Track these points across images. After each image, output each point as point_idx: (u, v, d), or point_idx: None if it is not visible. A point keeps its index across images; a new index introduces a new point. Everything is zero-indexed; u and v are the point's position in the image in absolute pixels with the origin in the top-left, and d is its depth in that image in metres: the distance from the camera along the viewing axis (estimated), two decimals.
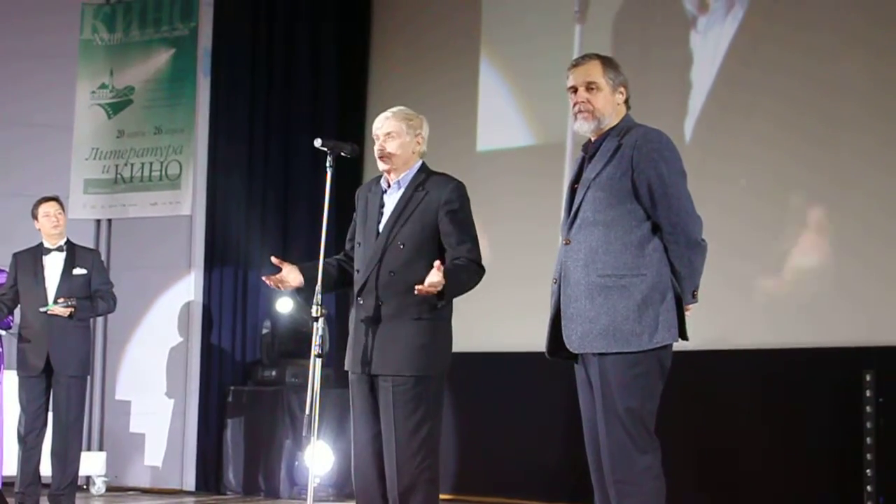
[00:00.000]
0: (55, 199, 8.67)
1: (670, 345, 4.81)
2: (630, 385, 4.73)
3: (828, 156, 9.16)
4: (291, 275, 5.68)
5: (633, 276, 4.76)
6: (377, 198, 5.63)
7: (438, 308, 5.39)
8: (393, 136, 5.56)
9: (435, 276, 5.18)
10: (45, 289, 8.52)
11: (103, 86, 11.66)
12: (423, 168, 5.65)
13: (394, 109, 5.67)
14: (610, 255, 4.79)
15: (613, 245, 4.79)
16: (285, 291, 10.89)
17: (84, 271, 8.60)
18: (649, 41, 9.96)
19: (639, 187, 4.77)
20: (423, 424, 5.41)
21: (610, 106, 4.95)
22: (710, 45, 9.79)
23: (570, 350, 4.86)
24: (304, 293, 5.60)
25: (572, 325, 4.84)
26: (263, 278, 5.71)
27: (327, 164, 5.65)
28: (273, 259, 5.63)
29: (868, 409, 8.59)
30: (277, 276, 5.66)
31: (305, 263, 5.74)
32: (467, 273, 5.42)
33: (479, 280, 5.51)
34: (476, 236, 5.54)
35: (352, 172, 10.57)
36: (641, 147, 4.80)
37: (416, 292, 5.23)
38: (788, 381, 9.09)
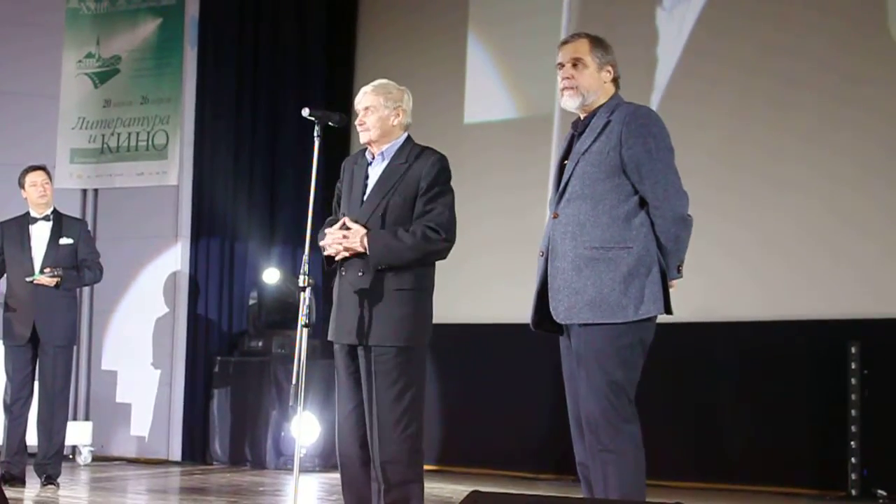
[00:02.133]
0: (42, 168, 8.64)
1: (654, 319, 4.85)
2: (614, 356, 4.78)
3: (805, 126, 9.22)
4: None
5: (620, 249, 4.80)
6: (362, 169, 5.65)
7: (371, 267, 5.41)
8: (371, 110, 5.59)
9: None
10: (31, 258, 8.50)
11: (90, 55, 11.61)
12: (409, 141, 5.67)
13: (375, 83, 5.70)
14: (597, 228, 4.83)
15: (601, 218, 4.83)
16: (272, 262, 10.97)
17: (71, 241, 8.58)
18: (615, 19, 9.97)
19: (626, 162, 4.82)
20: (405, 394, 5.44)
21: (595, 83, 4.99)
22: (675, 21, 9.84)
23: (557, 321, 4.89)
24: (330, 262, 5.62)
25: (559, 297, 4.87)
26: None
27: (315, 134, 5.66)
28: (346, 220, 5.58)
29: (853, 380, 8.64)
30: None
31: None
32: (412, 238, 5.41)
33: (436, 246, 5.48)
34: (446, 205, 5.52)
35: (339, 142, 10.56)
36: (630, 123, 4.86)
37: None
38: (774, 352, 9.14)
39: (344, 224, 5.47)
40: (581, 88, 4.98)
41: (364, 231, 5.42)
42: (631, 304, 4.77)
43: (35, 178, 8.56)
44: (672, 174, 4.85)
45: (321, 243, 5.55)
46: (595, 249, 4.81)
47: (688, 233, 4.88)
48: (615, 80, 5.04)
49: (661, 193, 4.81)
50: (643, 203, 4.85)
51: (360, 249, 5.41)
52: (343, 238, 5.44)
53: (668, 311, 4.89)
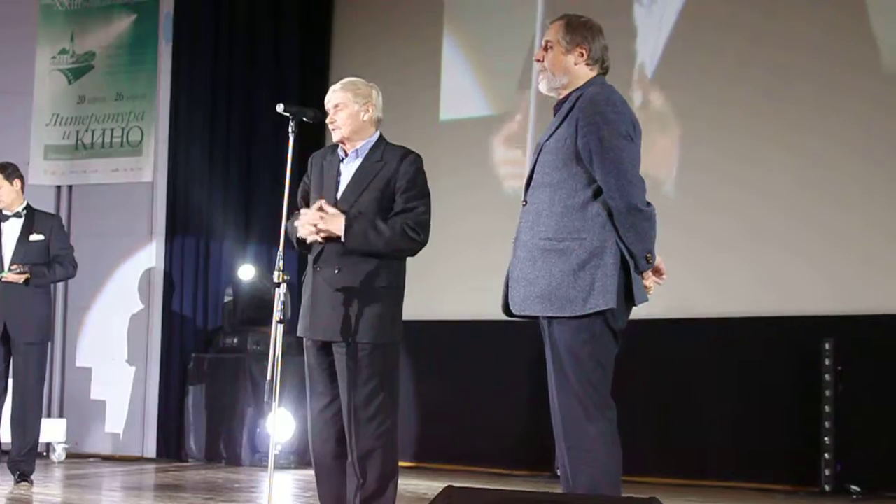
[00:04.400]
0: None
1: (609, 313, 4.67)
2: (578, 351, 4.68)
3: (781, 125, 9.25)
4: None
5: (572, 240, 4.69)
6: (334, 166, 5.64)
7: (346, 248, 5.42)
8: (340, 107, 5.61)
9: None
10: (1, 255, 8.45)
11: (64, 51, 11.57)
12: (382, 139, 5.68)
13: (344, 81, 5.72)
14: (552, 218, 4.74)
15: (556, 207, 4.73)
16: (248, 259, 10.95)
17: (41, 237, 8.53)
18: (589, 12, 10.00)
19: (581, 150, 4.70)
20: (380, 390, 5.46)
21: (560, 66, 4.91)
22: (655, 15, 9.88)
23: (513, 311, 4.85)
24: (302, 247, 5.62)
25: (517, 287, 4.81)
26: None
27: (290, 130, 5.64)
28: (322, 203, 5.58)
29: (827, 377, 8.68)
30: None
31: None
32: (389, 230, 5.42)
33: (410, 244, 5.50)
34: (426, 207, 5.54)
35: (314, 138, 10.55)
36: (586, 109, 4.74)
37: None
38: (749, 349, 9.18)
39: (320, 206, 5.46)
40: (548, 71, 4.93)
41: (342, 215, 5.40)
42: (580, 297, 4.65)
43: None
44: (626, 162, 4.68)
45: (296, 224, 5.51)
46: (548, 240, 4.71)
47: (648, 223, 4.69)
48: (595, 64, 4.91)
49: (613, 182, 4.64)
50: (601, 192, 4.71)
51: (337, 232, 5.39)
52: (320, 219, 5.42)
53: (630, 301, 4.74)
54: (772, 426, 9.02)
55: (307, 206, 5.69)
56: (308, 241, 5.54)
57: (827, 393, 8.66)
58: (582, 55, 4.89)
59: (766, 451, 9.02)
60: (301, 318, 5.66)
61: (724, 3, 9.67)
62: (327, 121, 5.65)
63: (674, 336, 9.41)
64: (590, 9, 5.13)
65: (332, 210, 5.42)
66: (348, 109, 5.60)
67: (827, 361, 8.69)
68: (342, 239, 5.41)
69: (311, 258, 5.59)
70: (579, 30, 4.92)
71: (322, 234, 5.45)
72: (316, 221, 5.44)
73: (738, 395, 9.17)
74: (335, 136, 5.63)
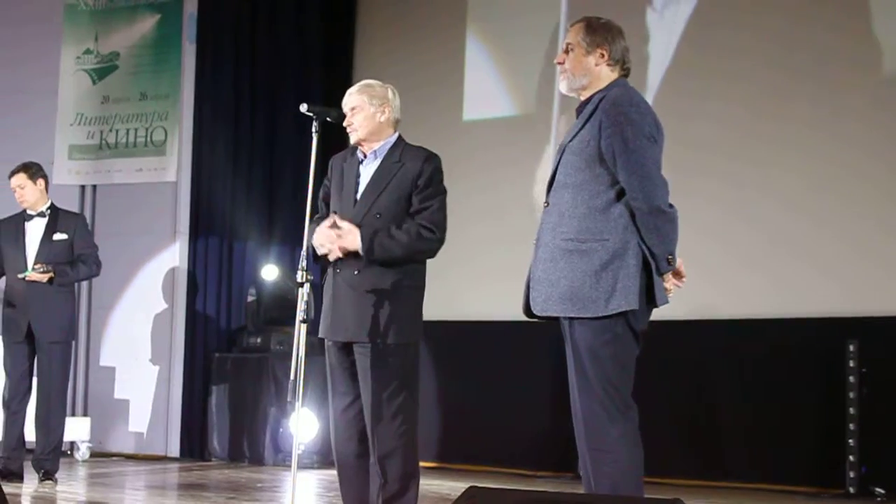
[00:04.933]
0: (19, 171, 8.54)
1: (631, 314, 4.68)
2: (599, 352, 4.68)
3: (797, 127, 9.24)
4: None
5: (595, 241, 4.69)
6: (353, 168, 5.66)
7: (366, 263, 5.43)
8: (357, 110, 5.63)
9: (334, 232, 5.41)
10: (24, 255, 8.49)
11: (88, 51, 11.61)
12: (401, 139, 5.69)
13: (360, 84, 5.76)
14: (574, 219, 4.74)
15: (579, 209, 4.74)
16: (271, 258, 10.96)
17: (65, 236, 8.56)
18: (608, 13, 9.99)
19: (604, 151, 4.71)
20: (401, 390, 5.47)
21: (581, 67, 4.92)
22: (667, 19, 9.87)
23: (535, 313, 4.85)
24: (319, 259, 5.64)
25: (538, 288, 4.81)
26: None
27: (313, 130, 5.65)
28: (336, 218, 5.59)
29: (851, 379, 8.64)
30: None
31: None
32: (406, 235, 5.44)
33: (427, 245, 5.52)
34: (440, 204, 5.56)
35: (338, 139, 10.54)
36: (609, 110, 4.74)
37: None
38: (773, 350, 9.15)
39: (334, 223, 5.47)
40: (568, 72, 4.94)
41: (356, 229, 5.42)
42: (602, 297, 4.65)
43: (12, 182, 8.54)
44: (649, 163, 4.69)
45: (314, 241, 5.54)
46: (571, 241, 4.72)
47: (671, 224, 4.70)
48: (616, 65, 4.92)
49: (636, 183, 4.65)
50: (624, 193, 4.72)
51: (354, 248, 5.41)
52: (336, 237, 5.43)
53: (652, 303, 4.75)
54: (795, 428, 8.99)
55: (328, 208, 5.71)
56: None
57: (851, 395, 8.63)
58: (603, 56, 4.90)
59: (790, 453, 8.99)
60: (322, 319, 5.68)
61: (736, 8, 9.64)
62: (344, 123, 5.67)
63: (696, 337, 9.38)
64: (603, 12, 5.11)
65: (346, 225, 5.43)
66: (364, 112, 5.62)
67: (851, 363, 8.66)
68: (360, 253, 5.42)
69: (331, 258, 5.59)
70: (600, 31, 4.93)
71: (341, 251, 5.46)
72: (332, 240, 5.44)
73: (762, 396, 9.14)
74: (352, 139, 5.67)
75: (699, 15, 9.80)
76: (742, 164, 9.45)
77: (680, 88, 9.77)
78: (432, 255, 5.59)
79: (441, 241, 5.55)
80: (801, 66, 9.27)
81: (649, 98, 9.69)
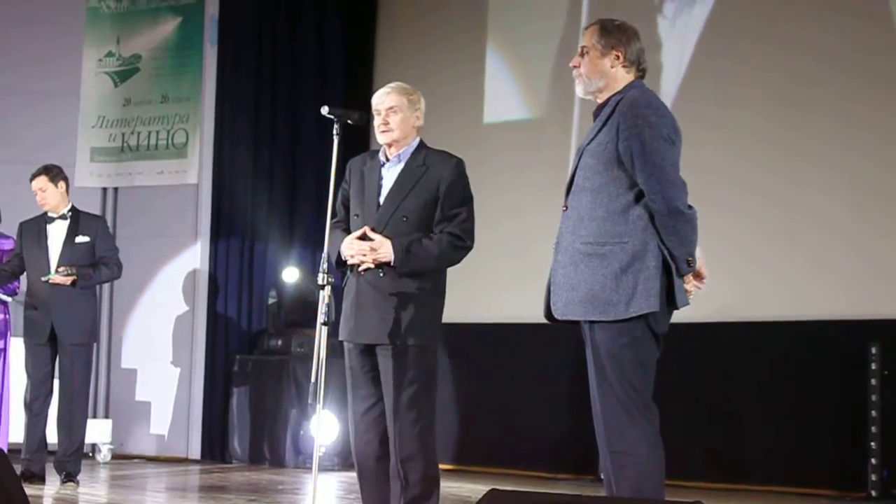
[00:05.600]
0: (40, 173, 8.56)
1: (651, 316, 4.68)
2: (620, 354, 4.68)
3: (823, 125, 9.21)
4: None
5: (614, 244, 4.68)
6: (375, 171, 5.63)
7: (399, 276, 5.43)
8: (395, 110, 5.58)
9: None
10: (47, 258, 8.51)
11: (110, 54, 11.64)
12: (422, 144, 5.67)
13: (392, 84, 5.70)
14: (594, 223, 4.74)
15: (597, 212, 4.74)
16: (292, 261, 10.97)
17: (87, 239, 8.58)
18: (652, 14, 9.98)
19: (622, 153, 4.70)
20: (423, 393, 5.47)
21: (595, 69, 4.91)
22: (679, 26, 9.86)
23: (556, 316, 4.84)
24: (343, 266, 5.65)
25: (559, 292, 4.81)
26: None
27: (334, 132, 5.65)
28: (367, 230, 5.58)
29: (873, 381, 8.61)
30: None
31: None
32: (437, 246, 5.44)
33: (457, 252, 5.53)
34: (469, 212, 5.55)
35: (359, 141, 10.56)
36: (626, 113, 4.74)
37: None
38: (794, 353, 9.12)
39: (364, 235, 5.46)
40: (583, 75, 4.94)
41: (388, 241, 5.40)
42: (622, 300, 4.65)
43: (34, 186, 8.57)
44: (667, 165, 4.68)
45: (343, 252, 5.51)
46: (590, 245, 4.72)
47: (690, 226, 4.69)
48: (631, 66, 4.91)
49: (654, 185, 4.65)
50: (643, 195, 4.71)
51: (387, 260, 5.40)
52: (370, 250, 5.42)
53: (672, 305, 4.74)
54: (817, 431, 8.95)
55: (347, 212, 5.70)
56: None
57: (873, 397, 8.60)
58: (618, 58, 4.89)
59: (812, 456, 8.96)
60: (343, 322, 5.66)
61: (748, 16, 9.62)
62: (378, 122, 5.61)
63: (717, 339, 9.36)
64: (625, 11, 5.12)
65: (377, 238, 5.41)
66: (402, 114, 5.58)
67: (873, 366, 8.63)
68: (392, 264, 5.41)
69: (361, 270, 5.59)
70: (614, 33, 4.93)
71: (373, 263, 5.44)
72: (365, 253, 5.43)
73: (783, 399, 9.12)
74: (384, 139, 5.60)
75: (712, 22, 9.77)
76: (761, 170, 9.41)
77: (695, 95, 9.74)
78: (459, 261, 5.59)
79: (470, 249, 5.56)
80: (817, 75, 9.23)
81: (669, 100, 9.69)
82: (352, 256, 5.48)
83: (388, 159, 5.62)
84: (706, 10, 9.83)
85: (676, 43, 9.92)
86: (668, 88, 9.77)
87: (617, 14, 5.19)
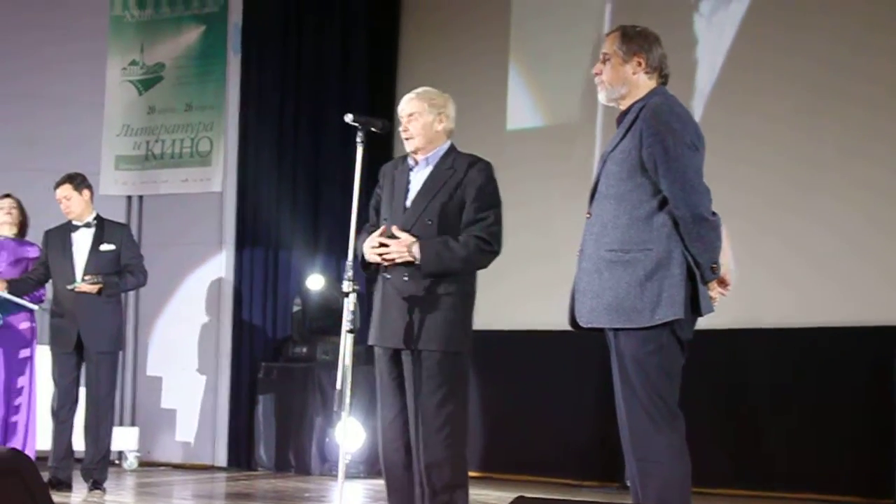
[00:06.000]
0: (65, 182, 8.59)
1: (676, 323, 4.67)
2: (645, 362, 4.68)
3: (845, 132, 9.16)
4: None
5: (639, 252, 4.68)
6: (404, 175, 5.66)
7: (422, 277, 5.43)
8: (415, 116, 5.61)
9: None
10: (72, 266, 8.54)
11: (134, 62, 11.68)
12: (452, 148, 5.68)
13: (418, 90, 5.71)
14: (618, 230, 4.74)
15: (621, 219, 4.73)
16: (317, 268, 10.98)
17: (112, 247, 8.60)
18: (657, 21, 9.96)
19: (646, 161, 4.70)
20: (449, 399, 5.45)
21: (618, 76, 4.91)
22: (714, 28, 9.82)
23: (580, 324, 4.84)
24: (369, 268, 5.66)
25: (583, 300, 4.81)
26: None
27: (358, 140, 5.66)
28: (394, 229, 5.59)
29: None
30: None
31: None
32: (463, 249, 5.43)
33: (483, 257, 5.53)
34: (497, 216, 5.55)
35: (382, 149, 10.58)
36: (650, 119, 4.73)
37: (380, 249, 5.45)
38: (819, 360, 9.09)
39: (390, 233, 5.47)
40: (605, 82, 4.94)
41: (413, 240, 5.41)
42: (647, 308, 4.65)
43: (58, 194, 8.59)
44: (690, 171, 4.67)
45: (366, 249, 5.53)
46: (614, 252, 4.72)
47: (714, 232, 4.69)
48: (653, 73, 4.90)
49: (678, 192, 4.64)
50: (667, 202, 4.70)
51: (410, 259, 5.40)
52: (399, 250, 5.41)
53: (697, 312, 4.73)
54: (842, 437, 8.91)
55: (378, 216, 5.71)
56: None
57: None
58: (640, 64, 4.88)
59: (836, 462, 8.92)
60: (371, 326, 5.67)
61: (789, 8, 9.58)
62: (400, 129, 5.65)
63: (741, 346, 9.33)
64: (648, 20, 5.10)
65: (404, 236, 5.41)
66: (422, 119, 5.60)
67: None
68: (417, 263, 5.41)
69: (381, 266, 5.60)
70: (635, 39, 4.92)
71: (398, 258, 5.44)
72: (391, 251, 5.42)
73: (807, 406, 9.08)
74: (408, 147, 5.63)
75: (749, 18, 9.71)
76: (784, 176, 9.38)
77: (727, 97, 9.71)
78: (486, 265, 5.59)
79: (497, 254, 5.56)
80: (859, 67, 9.18)
81: (700, 103, 9.67)
82: (372, 250, 5.46)
83: (416, 163, 5.64)
84: (737, 18, 9.79)
85: (712, 39, 9.86)
86: (703, 85, 9.74)
87: (645, 14, 5.19)
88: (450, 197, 5.52)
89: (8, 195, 8.98)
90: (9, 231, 8.92)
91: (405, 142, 5.65)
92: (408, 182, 5.64)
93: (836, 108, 9.21)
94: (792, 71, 9.44)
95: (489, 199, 5.55)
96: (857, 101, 9.13)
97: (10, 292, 8.45)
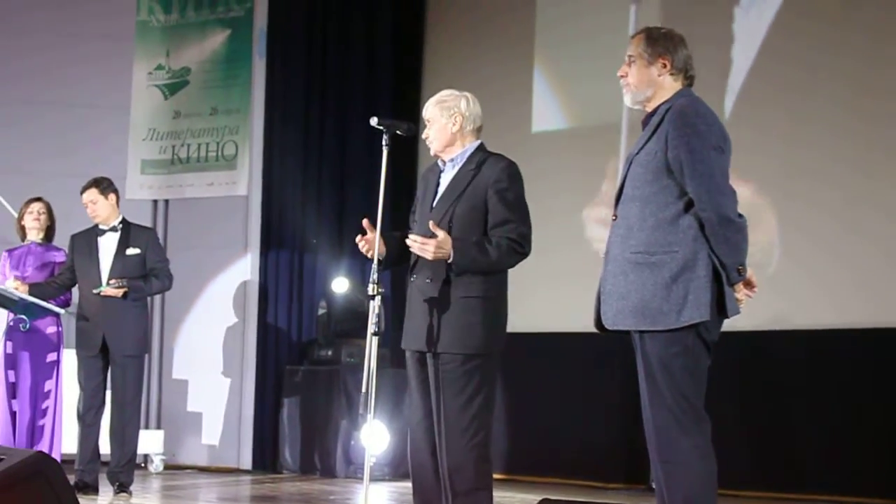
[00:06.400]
0: (91, 186, 8.62)
1: (703, 325, 4.66)
2: (671, 364, 4.67)
3: (876, 130, 9.10)
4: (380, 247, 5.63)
5: (664, 254, 4.67)
6: (435, 177, 5.69)
7: (454, 275, 5.42)
8: (431, 122, 5.68)
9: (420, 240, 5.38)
10: (98, 270, 8.55)
11: (160, 67, 11.72)
12: (480, 148, 5.68)
13: (436, 95, 5.75)
14: (643, 232, 4.73)
15: (647, 221, 4.73)
16: (341, 271, 10.99)
17: (138, 251, 8.62)
18: (694, 17, 9.91)
19: (672, 163, 4.69)
20: (472, 402, 5.43)
21: (643, 79, 4.90)
22: (752, 20, 9.76)
23: (606, 326, 4.84)
24: (381, 265, 5.64)
25: (609, 302, 4.81)
26: (358, 239, 5.67)
27: (383, 143, 5.67)
28: (364, 222, 5.61)
29: None
30: (367, 237, 5.61)
31: (387, 233, 5.72)
32: (496, 251, 5.42)
33: (514, 259, 5.52)
34: (523, 217, 5.54)
35: (408, 152, 10.59)
36: (675, 121, 4.72)
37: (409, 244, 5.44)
38: (847, 361, 9.04)
39: (426, 233, 5.45)
40: (631, 85, 4.94)
41: (450, 241, 5.39)
42: (673, 310, 4.64)
43: (84, 198, 8.61)
44: (716, 173, 4.66)
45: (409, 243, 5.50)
46: (640, 254, 4.71)
47: (740, 234, 4.67)
48: (679, 74, 4.89)
49: (704, 194, 4.63)
50: (692, 204, 4.69)
51: (444, 256, 5.38)
52: (433, 248, 5.39)
53: (723, 314, 4.73)
54: (871, 439, 8.87)
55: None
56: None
57: None
58: (665, 66, 4.87)
59: (866, 465, 8.87)
60: (403, 328, 5.69)
61: (822, 12, 9.53)
62: (423, 135, 5.71)
63: (768, 347, 9.30)
64: (678, 19, 5.09)
65: (441, 233, 5.40)
66: (437, 124, 5.65)
67: None
68: (449, 260, 5.40)
69: (409, 268, 5.62)
70: (660, 41, 4.91)
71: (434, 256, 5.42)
72: (426, 248, 5.41)
73: (837, 407, 9.03)
74: (431, 150, 5.69)
75: (785, 12, 9.64)
76: (814, 175, 9.32)
77: (760, 92, 9.64)
78: (512, 267, 5.59)
79: (527, 256, 5.55)
80: (882, 83, 9.12)
81: (730, 101, 9.63)
82: (414, 241, 5.44)
83: (444, 165, 5.67)
84: (771, 13, 9.72)
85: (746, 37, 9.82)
86: (734, 82, 9.71)
87: (682, 14, 5.17)
88: (472, 198, 5.52)
89: (39, 199, 9.02)
90: (36, 236, 8.95)
91: (429, 146, 5.71)
92: (437, 185, 5.67)
93: (870, 105, 9.13)
94: (825, 68, 9.38)
95: (516, 200, 5.54)
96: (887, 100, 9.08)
97: (33, 296, 8.47)
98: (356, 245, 5.70)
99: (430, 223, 5.42)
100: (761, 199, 9.29)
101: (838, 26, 9.34)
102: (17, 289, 8.41)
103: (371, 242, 5.57)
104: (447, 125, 5.63)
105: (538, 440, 10.39)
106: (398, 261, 5.75)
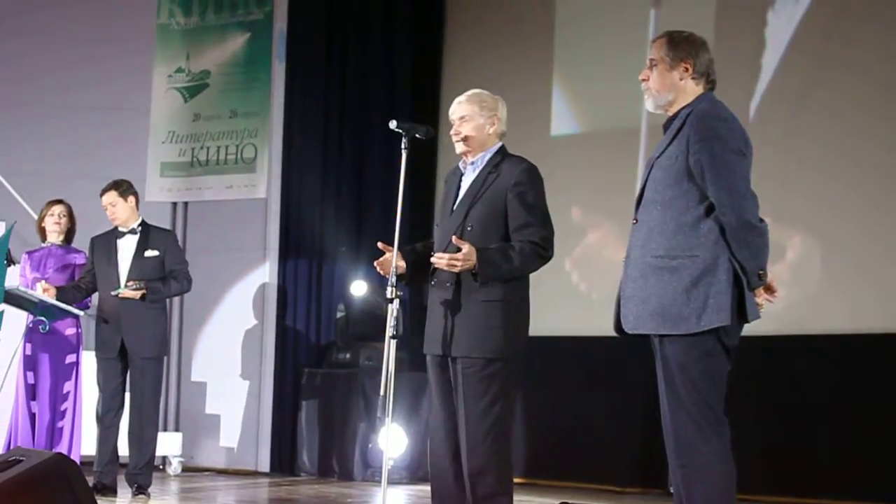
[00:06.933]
0: (110, 188, 8.63)
1: (723, 330, 4.65)
2: (690, 368, 4.66)
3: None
4: (399, 262, 5.62)
5: (685, 258, 4.66)
6: (456, 180, 5.68)
7: (479, 285, 5.40)
8: (466, 119, 5.61)
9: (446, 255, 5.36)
10: (117, 272, 8.57)
11: (180, 70, 11.74)
12: (501, 150, 5.67)
13: (469, 93, 5.71)
14: (664, 236, 4.72)
15: (668, 225, 4.72)
16: (360, 274, 10.99)
17: (157, 253, 8.63)
18: (720, 22, 9.89)
19: (693, 167, 4.68)
20: (494, 406, 5.42)
21: (665, 83, 4.89)
22: (781, 24, 9.71)
23: (626, 330, 4.83)
24: (404, 279, 5.65)
25: (629, 306, 4.80)
26: (375, 263, 5.69)
27: (402, 146, 5.67)
28: (379, 244, 5.62)
29: None
30: (383, 259, 5.62)
31: (407, 247, 5.72)
32: (520, 256, 5.41)
33: (538, 262, 5.51)
34: (545, 219, 5.53)
35: (427, 155, 10.59)
36: (697, 125, 4.71)
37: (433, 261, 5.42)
38: (865, 366, 9.00)
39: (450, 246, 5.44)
40: (652, 89, 4.93)
41: (475, 252, 5.36)
42: (693, 314, 4.63)
43: (103, 201, 8.64)
44: (737, 178, 4.65)
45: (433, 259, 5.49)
46: (660, 258, 4.71)
47: (761, 239, 4.66)
48: (700, 78, 4.88)
49: (725, 198, 4.62)
50: (713, 209, 4.68)
51: (470, 267, 5.37)
52: (458, 261, 5.37)
53: (743, 318, 4.70)
54: (890, 444, 8.84)
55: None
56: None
57: None
58: (687, 70, 4.87)
59: (884, 470, 8.84)
60: (425, 333, 5.68)
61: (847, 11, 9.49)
62: (451, 132, 5.66)
63: (787, 352, 9.26)
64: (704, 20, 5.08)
65: (465, 247, 5.37)
66: (474, 122, 5.60)
67: None
68: (474, 271, 5.39)
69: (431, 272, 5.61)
70: (682, 45, 4.90)
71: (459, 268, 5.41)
72: (452, 262, 5.40)
73: (856, 412, 9.00)
74: (458, 149, 5.65)
75: (816, 10, 9.60)
76: (838, 178, 9.29)
77: (786, 92, 9.59)
78: (536, 270, 5.58)
79: (550, 258, 5.54)
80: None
81: (755, 100, 9.59)
82: (440, 258, 5.43)
83: (465, 167, 5.65)
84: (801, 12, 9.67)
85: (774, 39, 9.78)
86: (763, 80, 9.68)
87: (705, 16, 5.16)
88: (491, 200, 5.51)
89: (60, 201, 9.04)
90: (56, 238, 8.98)
91: (455, 144, 5.65)
92: (458, 187, 5.66)
93: (890, 109, 9.10)
94: (852, 67, 9.33)
95: (537, 203, 5.53)
96: None
97: (58, 300, 8.48)
98: (375, 247, 5.69)
99: (454, 237, 5.40)
100: (784, 202, 9.26)
101: (866, 25, 9.29)
102: (45, 291, 8.43)
103: (386, 265, 5.56)
104: (485, 125, 5.62)
105: (558, 444, 10.36)
106: (419, 274, 5.73)
